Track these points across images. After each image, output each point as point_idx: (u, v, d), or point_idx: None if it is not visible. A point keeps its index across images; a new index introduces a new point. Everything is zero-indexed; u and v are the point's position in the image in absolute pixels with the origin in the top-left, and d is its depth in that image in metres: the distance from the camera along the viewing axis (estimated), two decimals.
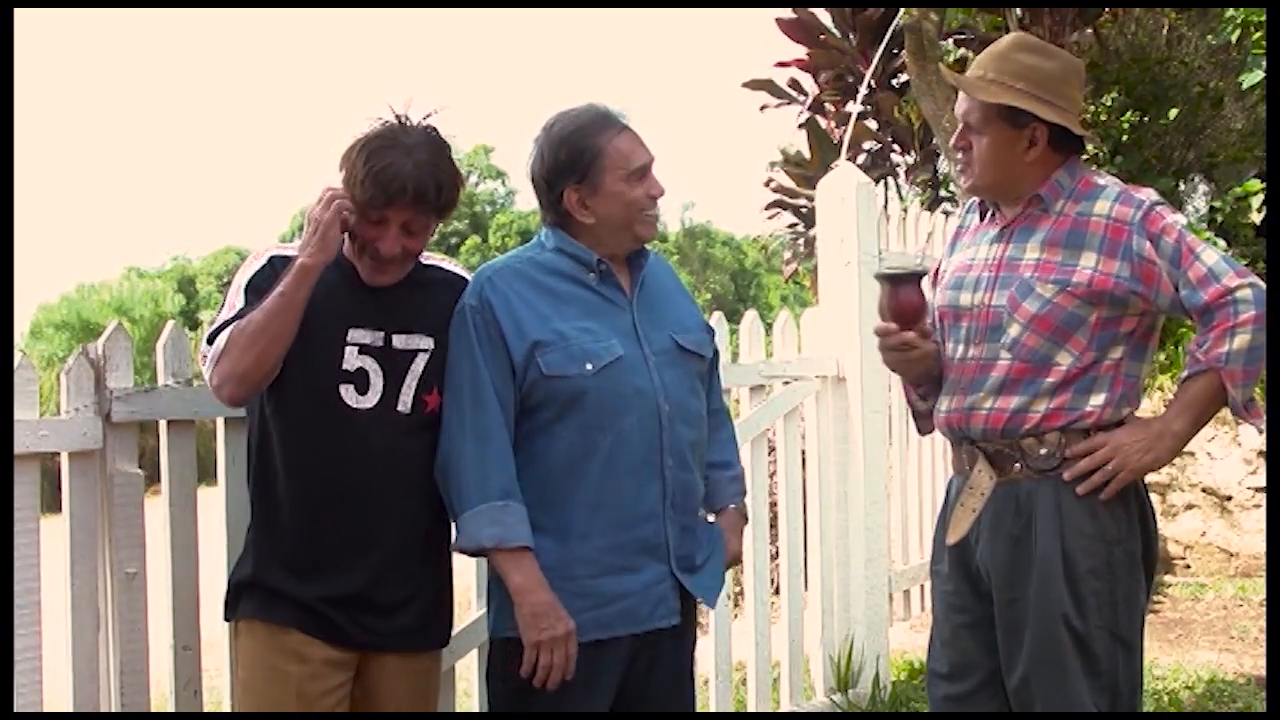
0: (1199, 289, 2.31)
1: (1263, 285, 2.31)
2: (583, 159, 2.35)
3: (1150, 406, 5.80)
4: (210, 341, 2.25)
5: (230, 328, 2.23)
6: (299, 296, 2.21)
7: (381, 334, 2.33)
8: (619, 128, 2.38)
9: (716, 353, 2.69)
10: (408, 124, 2.30)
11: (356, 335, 2.31)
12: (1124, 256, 2.34)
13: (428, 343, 2.37)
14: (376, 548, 2.32)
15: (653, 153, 2.42)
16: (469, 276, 2.47)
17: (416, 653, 2.41)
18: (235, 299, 2.29)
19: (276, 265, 2.28)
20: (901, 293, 2.44)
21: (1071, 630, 2.34)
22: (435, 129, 2.33)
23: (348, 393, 2.30)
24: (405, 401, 2.34)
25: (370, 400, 2.32)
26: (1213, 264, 2.32)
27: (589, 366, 2.34)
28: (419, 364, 2.36)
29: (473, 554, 2.41)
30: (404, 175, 2.24)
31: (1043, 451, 2.38)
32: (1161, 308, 2.38)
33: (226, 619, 2.40)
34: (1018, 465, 2.41)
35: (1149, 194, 2.41)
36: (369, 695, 2.37)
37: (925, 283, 2.51)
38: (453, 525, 2.38)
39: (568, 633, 2.29)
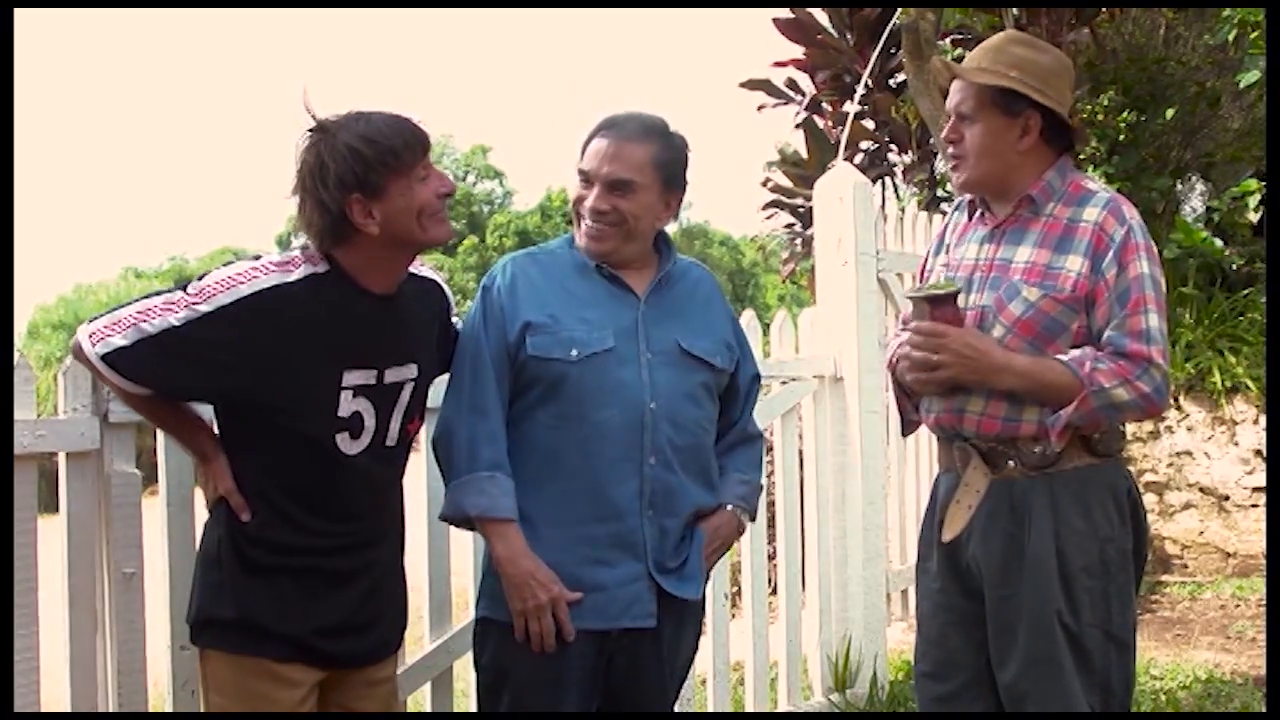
0: (1128, 337, 2.31)
1: (1163, 383, 2.33)
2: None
3: None
4: (128, 344, 2.09)
5: (139, 379, 2.14)
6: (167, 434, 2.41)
7: (374, 372, 2.24)
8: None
9: (757, 376, 2.70)
10: (326, 119, 2.17)
11: (351, 378, 2.21)
12: (1095, 269, 2.35)
13: (413, 370, 2.32)
14: (363, 578, 2.31)
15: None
16: (438, 278, 2.48)
17: (383, 661, 2.40)
18: (193, 304, 2.10)
19: (247, 305, 2.11)
20: (940, 314, 2.39)
21: (1065, 628, 2.35)
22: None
23: (343, 440, 2.23)
24: (393, 435, 2.31)
25: (363, 442, 2.25)
26: (1154, 327, 2.33)
27: (574, 353, 2.37)
28: (405, 395, 2.31)
29: (456, 522, 2.45)
30: (405, 125, 2.16)
31: (1037, 449, 2.38)
32: (1091, 328, 2.37)
33: (197, 643, 2.28)
34: (1011, 462, 2.41)
35: (1134, 215, 2.40)
36: (342, 708, 2.34)
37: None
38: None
39: (551, 599, 2.32)
